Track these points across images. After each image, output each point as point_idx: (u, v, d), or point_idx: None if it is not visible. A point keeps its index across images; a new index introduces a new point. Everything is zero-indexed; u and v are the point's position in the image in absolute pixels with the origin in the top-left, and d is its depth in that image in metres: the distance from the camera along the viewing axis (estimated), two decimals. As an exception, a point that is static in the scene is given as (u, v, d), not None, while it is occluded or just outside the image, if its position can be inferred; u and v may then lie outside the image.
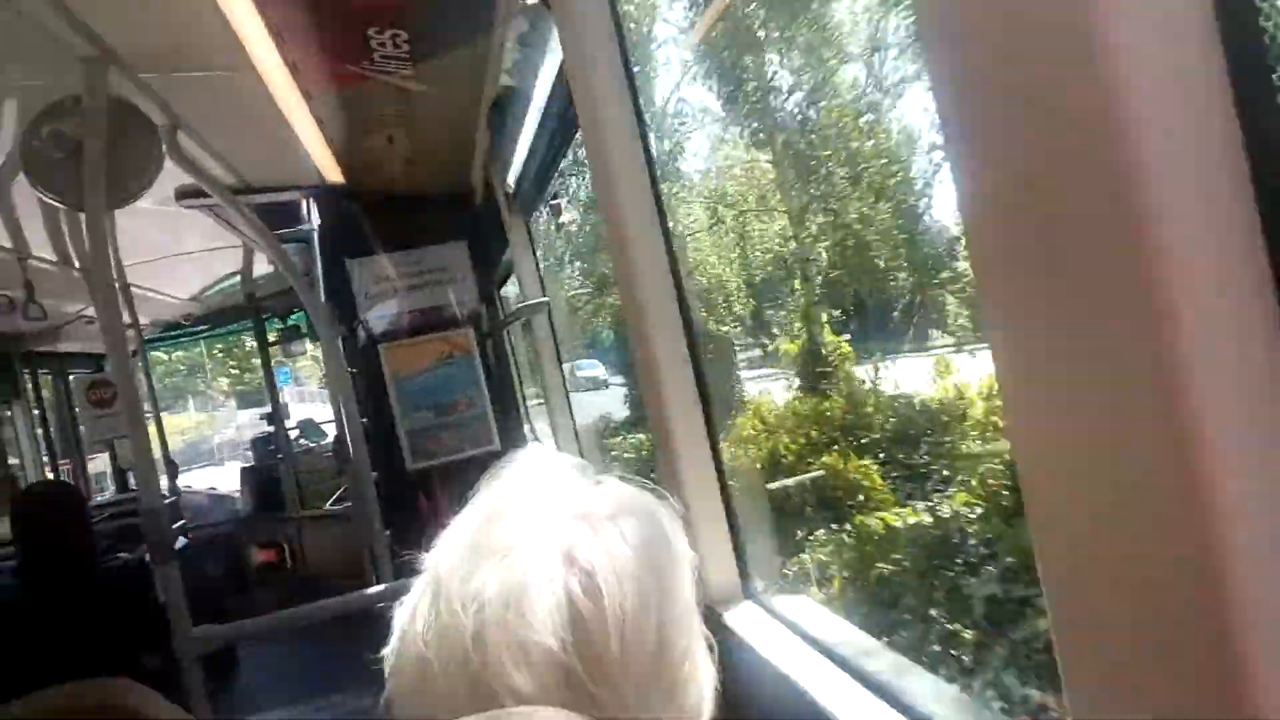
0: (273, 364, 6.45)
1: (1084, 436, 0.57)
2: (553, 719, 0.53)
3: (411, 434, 4.27)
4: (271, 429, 6.79)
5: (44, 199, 2.34)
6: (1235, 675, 0.49)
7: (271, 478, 6.45)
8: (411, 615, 0.61)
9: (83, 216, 2.57)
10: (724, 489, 1.73)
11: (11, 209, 3.17)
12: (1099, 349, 0.54)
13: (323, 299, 3.88)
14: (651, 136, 1.87)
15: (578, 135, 2.40)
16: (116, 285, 2.87)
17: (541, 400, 4.38)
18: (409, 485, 4.16)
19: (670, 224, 1.77)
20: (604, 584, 0.58)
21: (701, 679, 0.64)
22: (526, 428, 4.81)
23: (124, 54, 2.12)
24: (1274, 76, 0.51)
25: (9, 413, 5.97)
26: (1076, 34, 0.51)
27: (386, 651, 0.63)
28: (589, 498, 0.65)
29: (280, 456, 6.33)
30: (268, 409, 7.19)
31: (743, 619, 1.59)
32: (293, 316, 6.23)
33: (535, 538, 0.60)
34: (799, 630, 1.47)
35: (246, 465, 6.96)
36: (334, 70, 2.37)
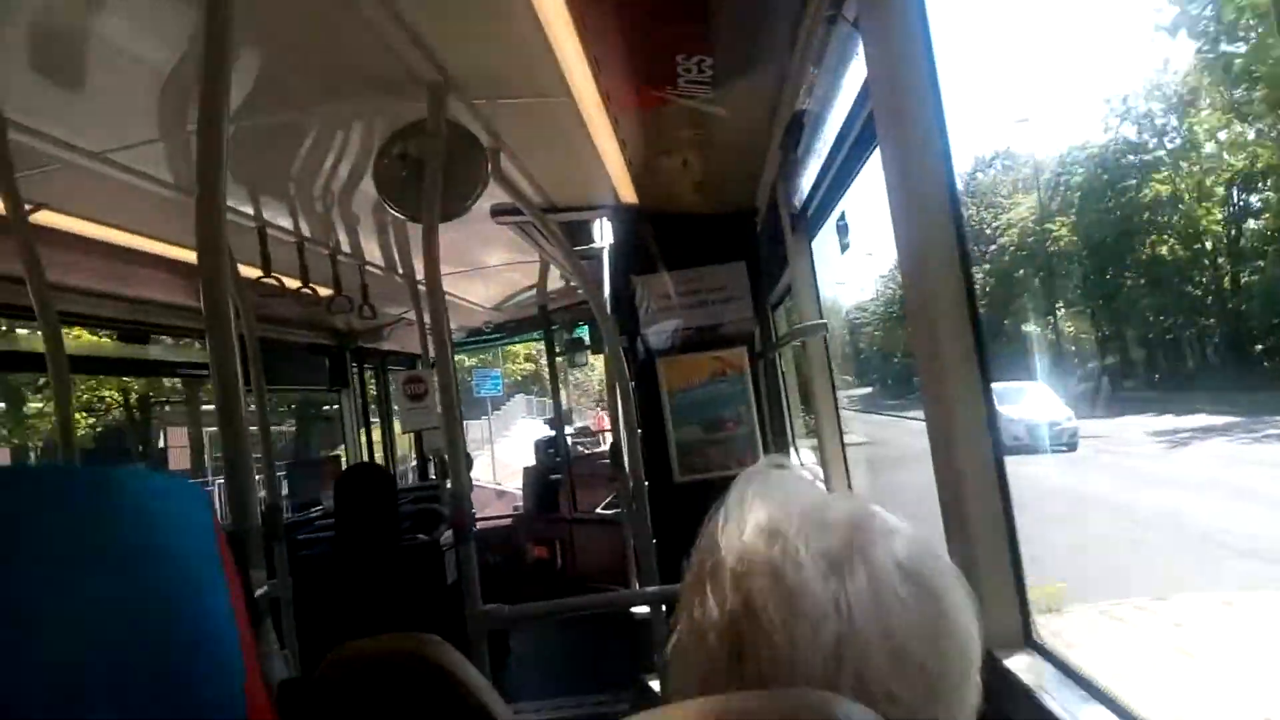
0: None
1: None
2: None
3: (681, 447, 4.39)
4: (553, 433, 7.28)
5: (392, 212, 2.66)
6: None
7: (550, 479, 6.89)
8: (739, 619, 0.59)
9: (415, 229, 2.91)
10: (1010, 527, 1.63)
11: (355, 222, 3.67)
12: None
13: (609, 313, 4.11)
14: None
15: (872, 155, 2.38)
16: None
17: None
18: (676, 497, 4.28)
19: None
20: (948, 598, 0.60)
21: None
22: (792, 452, 4.79)
23: (461, 81, 2.37)
24: None
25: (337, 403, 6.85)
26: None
27: (674, 642, 0.64)
28: (871, 512, 0.65)
29: (559, 459, 6.75)
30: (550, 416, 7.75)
31: (1024, 668, 1.49)
32: (578, 329, 6.65)
33: (860, 541, 0.60)
34: (1091, 687, 1.36)
35: (528, 466, 7.48)
36: (641, 95, 2.52)
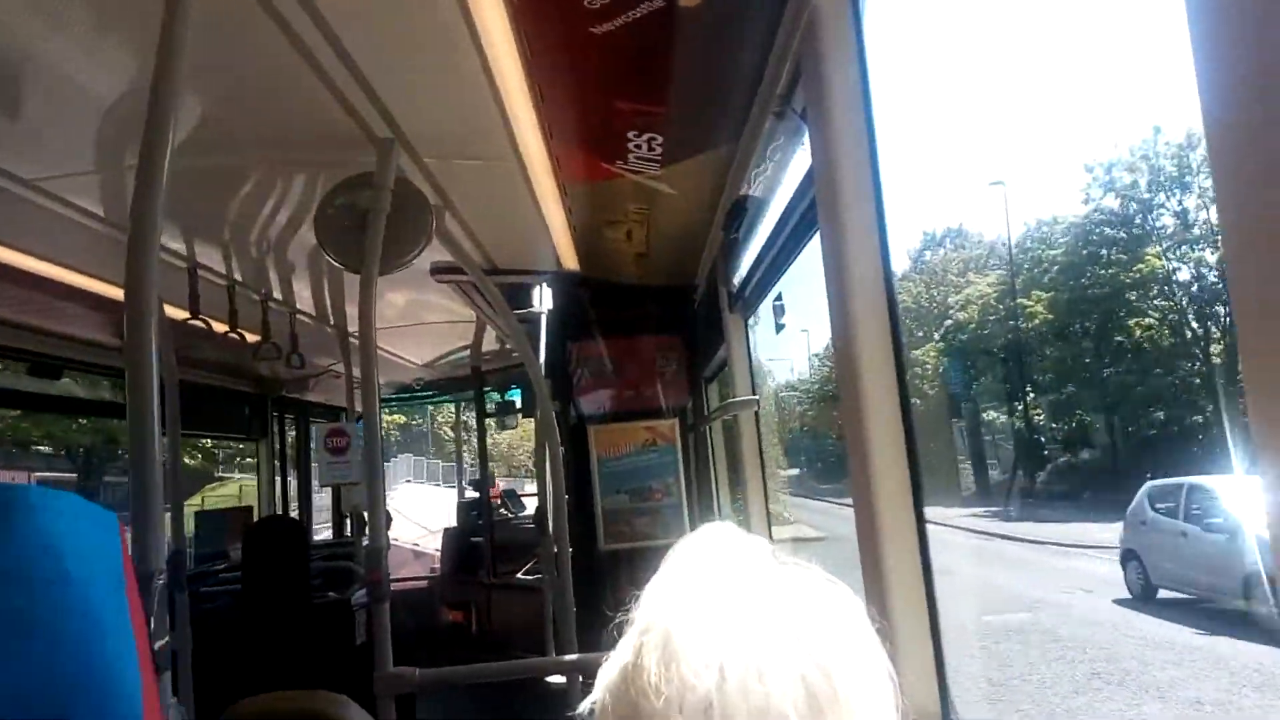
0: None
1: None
2: None
3: (607, 515, 4.36)
4: (477, 495, 7.14)
5: (330, 262, 2.62)
6: None
7: (470, 541, 6.73)
8: (628, 672, 0.61)
9: (350, 281, 2.88)
10: (931, 601, 1.65)
11: (289, 270, 3.60)
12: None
13: (543, 377, 4.09)
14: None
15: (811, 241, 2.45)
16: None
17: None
18: (599, 565, 4.23)
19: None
20: (838, 669, 0.59)
21: None
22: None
23: (411, 138, 2.37)
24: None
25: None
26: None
27: (588, 704, 0.65)
28: (799, 580, 0.65)
29: (481, 522, 6.61)
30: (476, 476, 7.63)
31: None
32: (510, 392, 6.59)
33: (765, 613, 0.61)
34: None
35: (449, 527, 7.31)
36: (591, 167, 2.56)
